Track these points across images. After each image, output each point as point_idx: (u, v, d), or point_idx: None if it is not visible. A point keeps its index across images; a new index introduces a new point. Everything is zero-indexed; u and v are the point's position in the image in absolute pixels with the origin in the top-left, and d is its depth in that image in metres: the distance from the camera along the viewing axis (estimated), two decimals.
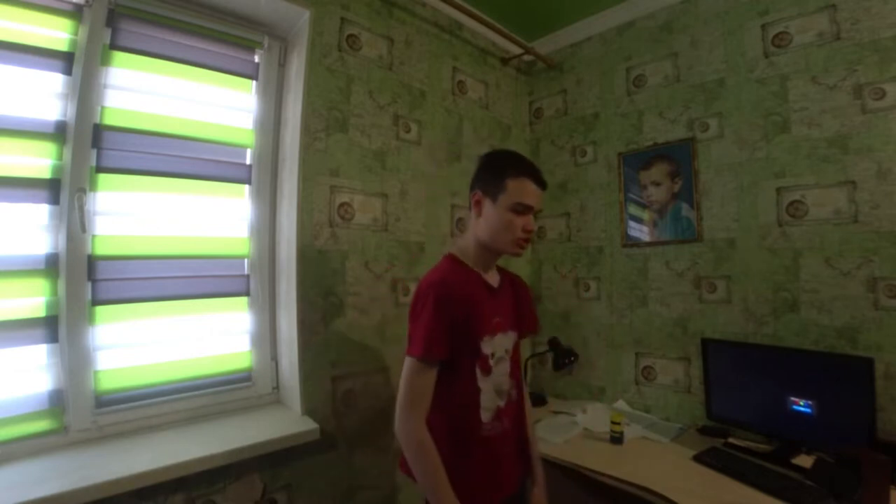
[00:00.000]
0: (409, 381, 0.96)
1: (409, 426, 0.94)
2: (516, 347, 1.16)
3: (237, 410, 1.40)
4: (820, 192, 1.50)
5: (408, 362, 0.97)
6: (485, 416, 1.03)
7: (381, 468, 1.55)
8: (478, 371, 1.02)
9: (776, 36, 1.60)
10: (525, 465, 1.17)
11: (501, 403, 1.07)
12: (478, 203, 1.08)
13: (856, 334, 1.41)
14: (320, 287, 1.46)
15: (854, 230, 1.43)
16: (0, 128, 1.08)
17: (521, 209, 1.03)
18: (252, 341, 1.48)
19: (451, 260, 1.10)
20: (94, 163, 1.20)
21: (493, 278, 1.14)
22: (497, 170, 1.06)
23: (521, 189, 1.03)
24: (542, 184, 1.07)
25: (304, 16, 1.47)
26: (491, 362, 1.05)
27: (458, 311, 0.98)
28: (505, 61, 2.24)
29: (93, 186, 1.20)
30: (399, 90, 1.75)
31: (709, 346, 1.63)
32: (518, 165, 1.06)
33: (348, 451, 1.48)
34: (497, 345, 1.07)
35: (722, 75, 1.73)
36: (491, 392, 1.05)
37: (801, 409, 1.39)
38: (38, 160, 1.13)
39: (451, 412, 1.01)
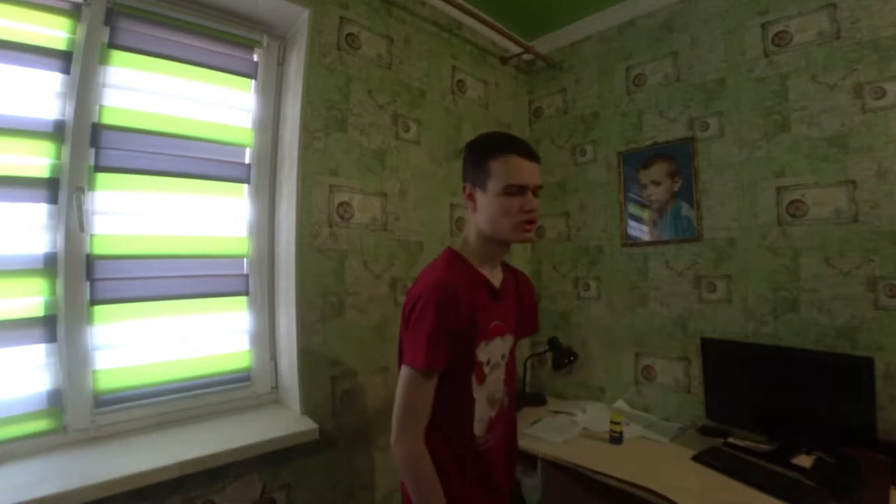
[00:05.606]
0: (408, 394, 0.87)
1: (406, 443, 0.87)
2: (512, 352, 1.08)
3: (236, 410, 1.40)
4: (820, 192, 1.49)
5: (406, 374, 0.88)
6: (478, 428, 0.96)
7: (380, 468, 1.55)
8: (473, 380, 0.95)
9: (776, 35, 1.60)
10: (513, 472, 1.11)
11: (493, 414, 1.00)
12: (470, 197, 0.99)
13: (856, 334, 1.41)
14: (319, 287, 1.45)
15: (854, 230, 1.43)
16: None
17: (514, 190, 0.92)
18: (251, 341, 1.48)
19: (453, 257, 1.00)
20: (92, 162, 1.20)
21: (496, 277, 1.04)
22: (479, 155, 0.96)
23: (508, 168, 0.92)
24: (530, 156, 0.94)
25: (303, 15, 1.47)
26: (485, 370, 0.96)
27: (461, 317, 0.89)
28: (504, 60, 2.24)
29: (91, 186, 1.19)
30: (398, 89, 1.74)
31: (708, 346, 1.62)
32: (499, 143, 0.95)
33: (347, 451, 1.47)
34: (493, 351, 0.98)
35: (722, 74, 1.73)
36: (484, 402, 0.97)
37: (801, 408, 1.39)
38: (37, 159, 1.13)
39: (446, 427, 0.94)
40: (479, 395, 0.96)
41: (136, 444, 1.14)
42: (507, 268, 1.11)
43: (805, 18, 1.54)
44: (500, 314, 1.00)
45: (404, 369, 0.89)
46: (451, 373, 0.91)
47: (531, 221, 0.94)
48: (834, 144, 1.47)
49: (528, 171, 0.93)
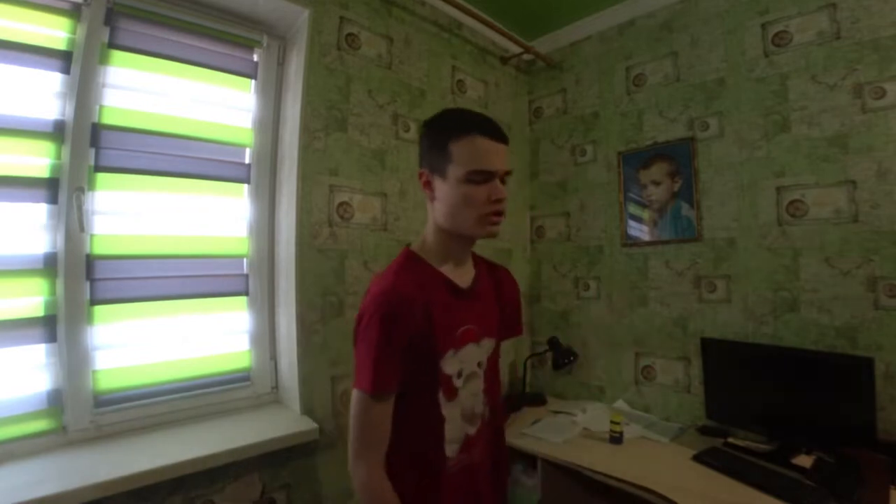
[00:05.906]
0: (359, 419, 0.77)
1: (362, 472, 0.77)
2: (494, 356, 0.95)
3: (236, 410, 1.40)
4: (820, 192, 1.49)
5: (356, 397, 0.77)
6: (450, 449, 0.84)
7: None
8: (441, 397, 0.83)
9: (776, 35, 1.60)
10: (502, 489, 1.01)
11: (472, 431, 0.87)
12: (427, 184, 0.85)
13: (856, 334, 1.41)
14: (319, 286, 1.45)
15: (854, 230, 1.43)
16: None
17: (479, 177, 0.78)
18: (251, 341, 1.48)
19: (408, 258, 0.87)
20: (92, 162, 1.20)
21: (462, 276, 0.90)
22: (437, 136, 0.82)
23: (472, 151, 0.78)
24: (497, 136, 0.81)
25: (303, 14, 1.47)
26: (456, 383, 0.84)
27: (412, 329, 0.78)
28: (504, 60, 2.24)
29: (91, 186, 1.19)
30: (398, 89, 1.74)
31: (708, 346, 1.63)
32: (461, 122, 0.82)
33: (347, 451, 1.47)
34: (465, 359, 0.86)
35: (722, 74, 1.73)
36: (457, 420, 0.85)
37: (801, 408, 1.39)
38: (37, 159, 1.13)
39: (408, 451, 0.82)
40: (451, 412, 0.84)
41: (135, 444, 1.14)
42: (482, 263, 0.98)
43: (805, 18, 1.54)
44: (472, 317, 0.87)
45: (354, 392, 0.78)
46: (410, 392, 0.80)
47: (499, 213, 0.82)
48: (834, 144, 1.47)
49: (495, 155, 0.80)
